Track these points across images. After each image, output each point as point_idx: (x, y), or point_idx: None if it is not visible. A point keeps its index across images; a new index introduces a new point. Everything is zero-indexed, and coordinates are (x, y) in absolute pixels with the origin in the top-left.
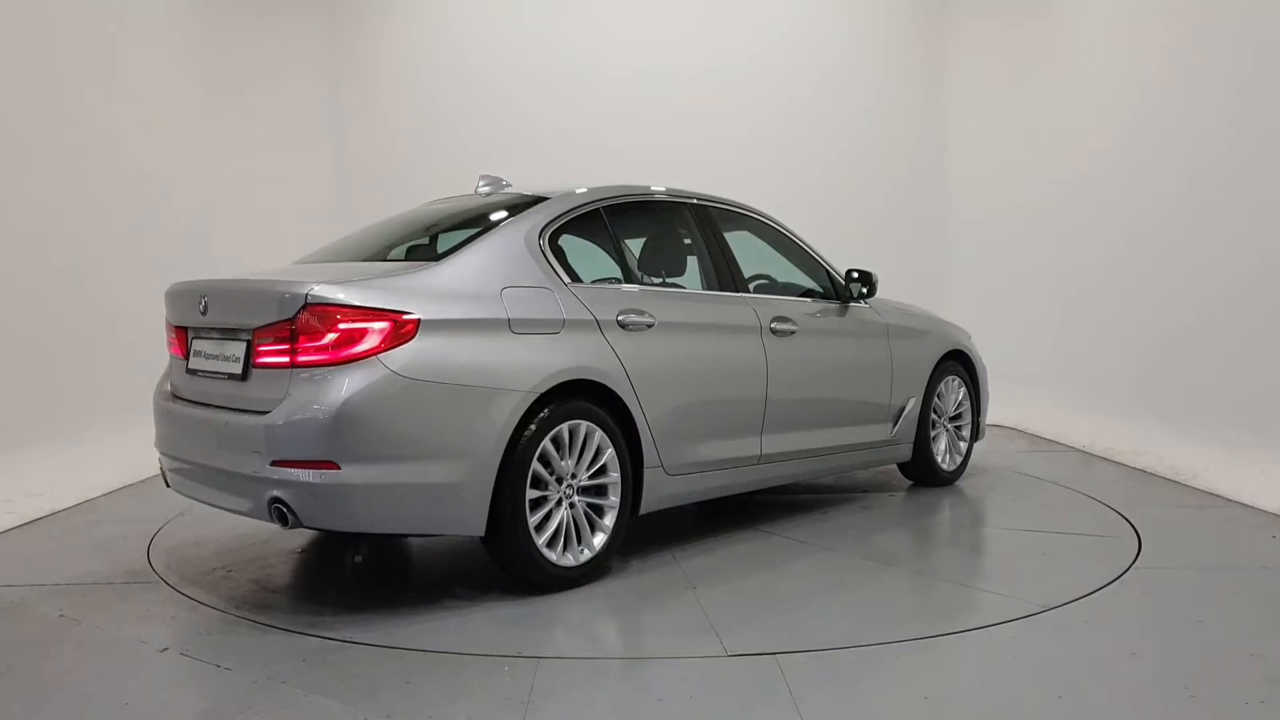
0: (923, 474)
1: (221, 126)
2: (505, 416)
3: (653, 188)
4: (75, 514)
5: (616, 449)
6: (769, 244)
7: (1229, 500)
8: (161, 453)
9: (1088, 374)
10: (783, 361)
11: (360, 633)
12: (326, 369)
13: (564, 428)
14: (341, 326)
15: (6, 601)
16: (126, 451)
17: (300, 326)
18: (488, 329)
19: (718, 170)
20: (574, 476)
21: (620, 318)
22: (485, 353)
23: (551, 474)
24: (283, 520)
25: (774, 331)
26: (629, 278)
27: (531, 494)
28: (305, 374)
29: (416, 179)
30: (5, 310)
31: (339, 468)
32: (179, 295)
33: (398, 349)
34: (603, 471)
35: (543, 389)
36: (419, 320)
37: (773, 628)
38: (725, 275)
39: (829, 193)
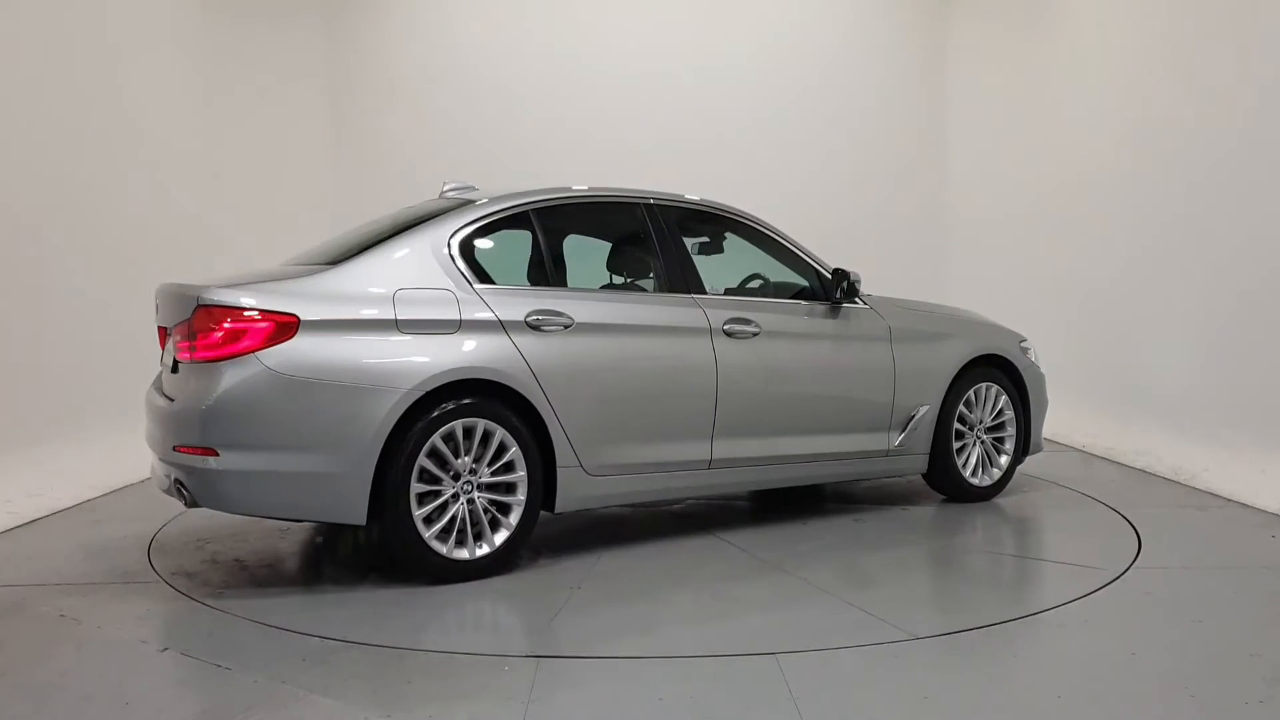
0: (948, 488)
1: (224, 131)
2: (384, 413)
3: (598, 189)
4: (75, 514)
5: (523, 448)
6: (751, 244)
7: (1229, 500)
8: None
9: (1088, 374)
10: (738, 364)
11: (360, 633)
12: (213, 364)
13: (458, 425)
14: (226, 326)
15: (6, 601)
16: (126, 451)
17: (195, 326)
18: (374, 329)
19: (720, 169)
20: (474, 473)
21: (530, 319)
22: (368, 352)
23: (449, 470)
24: (184, 499)
25: (728, 333)
26: (552, 279)
27: (421, 488)
28: (198, 368)
29: (419, 180)
30: (6, 311)
31: (217, 454)
32: (155, 297)
33: (276, 347)
34: (511, 469)
35: (428, 387)
36: (299, 320)
37: (604, 638)
38: (677, 276)
39: (830, 192)
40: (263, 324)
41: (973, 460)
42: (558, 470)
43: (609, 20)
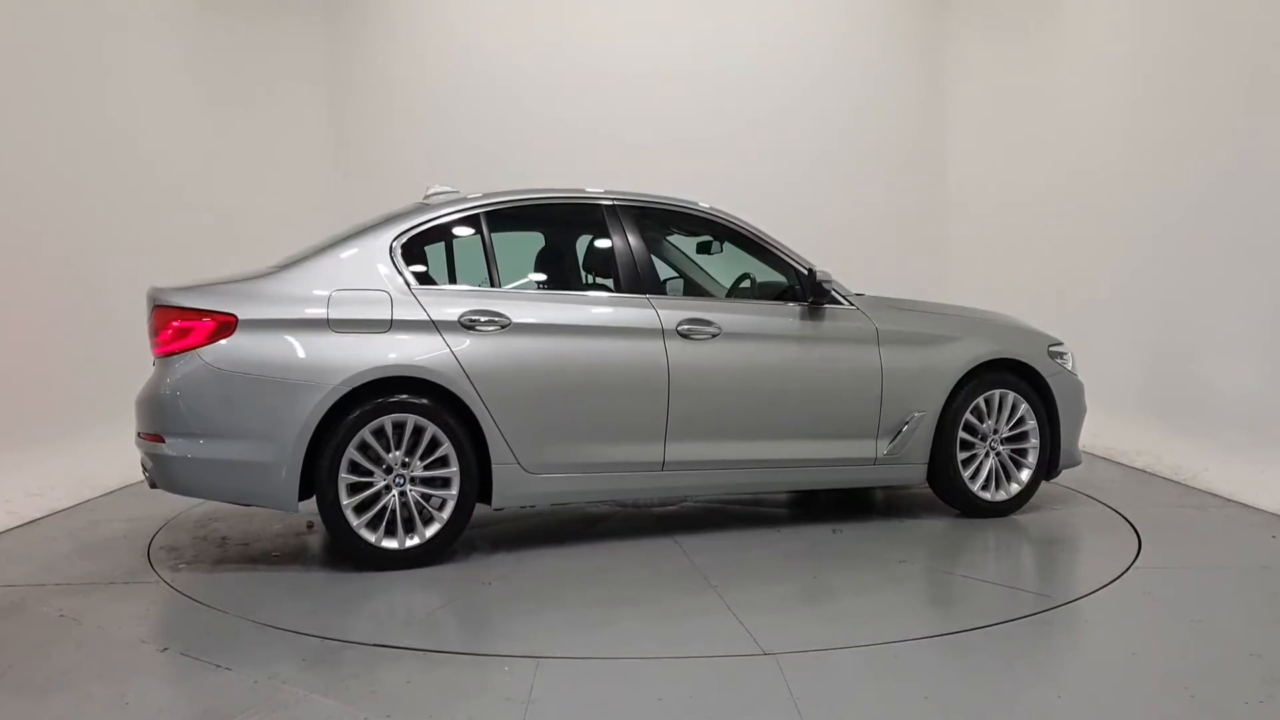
0: (956, 502)
1: (224, 131)
2: (311, 407)
3: (556, 191)
4: (75, 514)
5: (455, 444)
6: (728, 243)
7: (1229, 500)
8: None
9: (1088, 374)
10: (694, 366)
11: (360, 633)
12: (166, 358)
13: (387, 420)
14: (174, 324)
15: (6, 601)
16: (126, 451)
17: (155, 324)
18: (307, 328)
19: (721, 168)
20: (406, 466)
21: (464, 319)
22: (301, 349)
23: (381, 463)
24: (148, 481)
25: (683, 334)
26: (499, 281)
27: (351, 479)
28: (158, 362)
29: (419, 180)
30: (6, 311)
31: (164, 441)
32: None
33: (215, 344)
34: (446, 464)
35: (354, 383)
36: (237, 319)
37: (464, 637)
38: (632, 276)
39: (830, 190)
40: (206, 323)
41: (984, 473)
42: (493, 467)
43: (609, 20)
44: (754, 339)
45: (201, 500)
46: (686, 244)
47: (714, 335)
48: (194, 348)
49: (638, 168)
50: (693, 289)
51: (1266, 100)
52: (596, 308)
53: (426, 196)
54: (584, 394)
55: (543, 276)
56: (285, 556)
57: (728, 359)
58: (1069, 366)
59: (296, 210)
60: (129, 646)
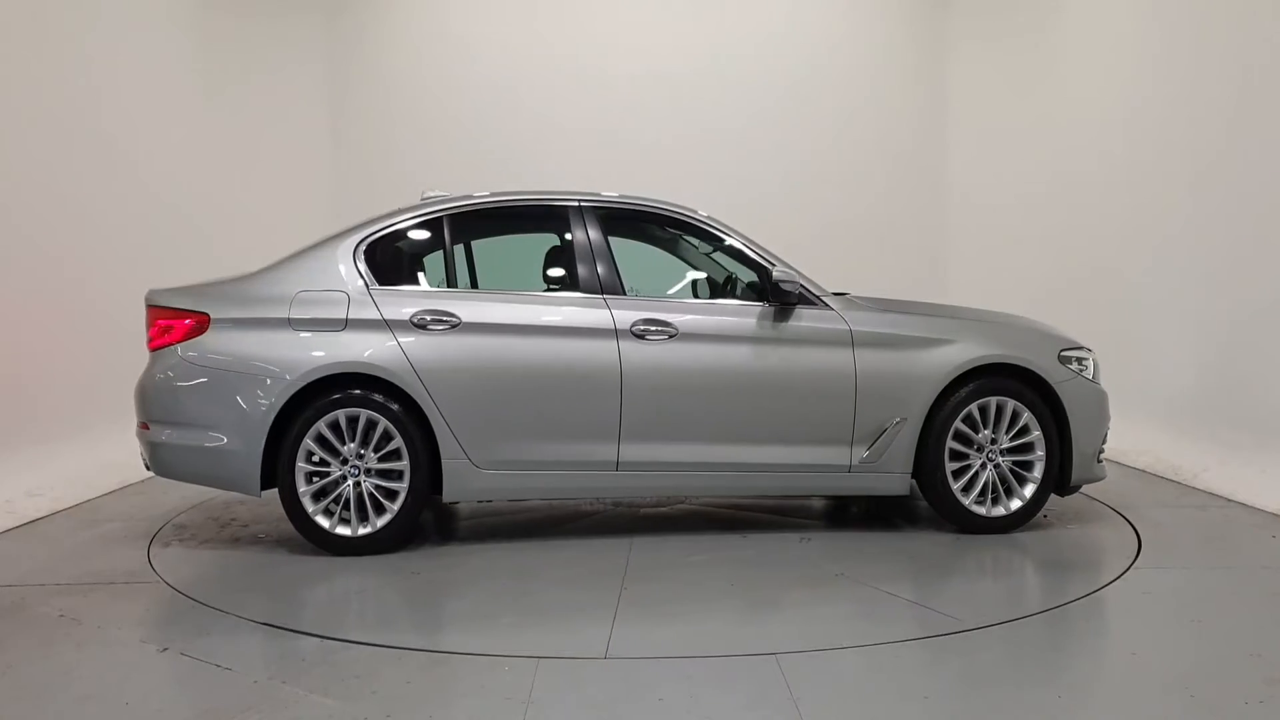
0: (950, 516)
1: (223, 129)
2: (271, 400)
3: (525, 194)
4: (75, 514)
5: (406, 439)
6: (701, 242)
7: (1229, 500)
8: None
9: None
10: (648, 367)
11: (360, 633)
12: (155, 353)
13: (340, 414)
14: (159, 322)
15: (6, 601)
16: (127, 451)
17: (147, 321)
18: (271, 327)
19: (719, 167)
20: (361, 458)
21: (415, 318)
22: (263, 346)
23: (338, 455)
24: (145, 465)
25: (637, 335)
26: (457, 281)
27: (308, 468)
28: (150, 356)
29: (419, 180)
30: (5, 310)
31: (149, 428)
32: None
33: (191, 340)
34: (399, 457)
35: (309, 379)
36: (210, 318)
37: (383, 626)
38: (591, 277)
39: (829, 188)
40: (185, 321)
41: (978, 486)
42: (443, 462)
43: (607, 19)
44: (712, 340)
45: (188, 510)
46: (704, 245)
47: (670, 336)
48: (174, 343)
49: (637, 168)
50: (715, 290)
51: (1265, 102)
52: (548, 307)
53: (423, 199)
54: (533, 393)
55: (505, 277)
56: (273, 542)
57: (684, 360)
58: (1088, 373)
59: (295, 211)
60: (129, 646)
